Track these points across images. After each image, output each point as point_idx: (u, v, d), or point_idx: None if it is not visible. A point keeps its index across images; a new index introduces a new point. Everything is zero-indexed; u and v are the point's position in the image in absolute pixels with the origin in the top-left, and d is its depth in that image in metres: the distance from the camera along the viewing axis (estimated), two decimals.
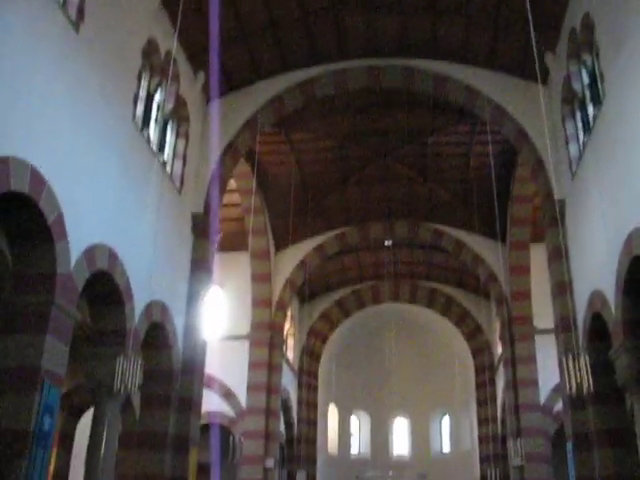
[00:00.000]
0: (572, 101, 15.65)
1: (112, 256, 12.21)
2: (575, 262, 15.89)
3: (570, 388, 12.89)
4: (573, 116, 15.76)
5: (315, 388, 32.02)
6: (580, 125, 15.34)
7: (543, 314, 21.37)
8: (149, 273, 13.60)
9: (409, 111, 20.45)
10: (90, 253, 11.31)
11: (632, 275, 12.26)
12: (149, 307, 14.02)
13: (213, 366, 20.56)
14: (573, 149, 15.62)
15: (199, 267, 16.87)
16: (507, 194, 22.81)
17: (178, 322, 15.83)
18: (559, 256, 16.07)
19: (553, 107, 16.72)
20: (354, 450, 36.38)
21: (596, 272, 14.17)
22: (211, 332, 20.30)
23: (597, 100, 13.67)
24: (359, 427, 36.97)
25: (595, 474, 14.39)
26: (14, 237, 9.97)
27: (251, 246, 24.35)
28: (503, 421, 25.83)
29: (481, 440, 29.85)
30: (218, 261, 19.06)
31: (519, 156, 19.96)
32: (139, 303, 13.47)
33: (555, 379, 18.84)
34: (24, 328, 9.70)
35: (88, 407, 18.16)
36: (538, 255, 21.85)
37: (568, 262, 16.09)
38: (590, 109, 14.43)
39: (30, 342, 9.65)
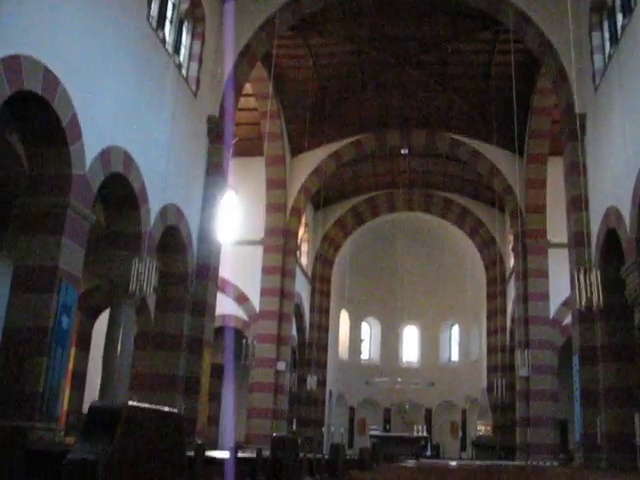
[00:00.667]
0: (601, 10, 15.16)
1: (127, 159, 12.20)
2: (592, 177, 15.74)
3: (580, 302, 13.00)
4: (600, 26, 15.29)
5: (327, 294, 32.41)
6: (607, 36, 14.91)
7: (557, 228, 21.36)
8: (164, 176, 13.62)
9: (430, 17, 19.89)
10: (105, 155, 11.30)
11: None
12: (164, 210, 14.10)
13: (227, 270, 20.79)
14: (598, 61, 15.22)
15: (214, 171, 16.87)
16: (527, 106, 22.40)
17: (193, 226, 15.94)
18: (576, 171, 15.91)
19: (580, 16, 16.18)
20: (364, 356, 37.11)
21: (613, 188, 14.06)
22: (225, 237, 20.48)
23: (628, 9, 13.22)
24: (370, 334, 37.62)
25: (599, 386, 14.68)
26: (29, 139, 9.96)
27: (266, 151, 24.18)
28: (512, 332, 26.17)
29: (489, 350, 30.34)
30: (233, 166, 19.01)
31: (541, 67, 19.49)
32: (154, 206, 13.54)
33: (565, 293, 18.97)
34: (41, 229, 9.83)
35: (105, 308, 18.50)
36: (555, 169, 21.65)
37: (585, 177, 15.94)
38: (619, 19, 13.98)
39: (47, 243, 9.80)
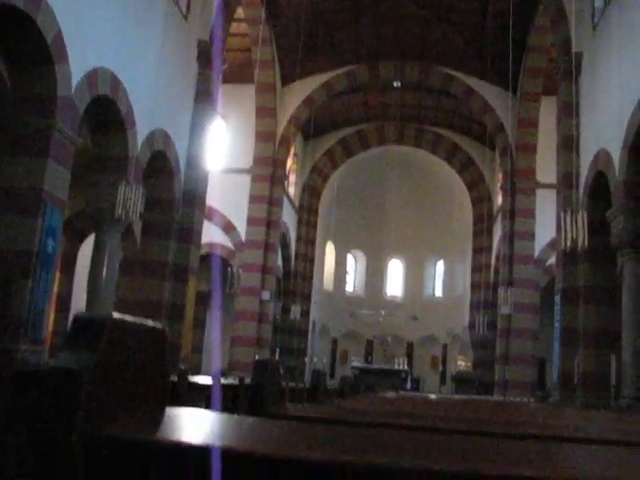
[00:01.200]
0: None
1: (114, 81, 11.95)
2: (585, 119, 15.61)
3: (565, 243, 13.06)
4: None
5: (314, 225, 32.41)
6: None
7: (547, 169, 21.27)
8: (152, 101, 13.38)
9: None
10: (92, 77, 11.06)
11: None
12: (152, 135, 13.91)
13: (214, 198, 20.68)
14: None
15: (203, 98, 16.59)
16: (523, 44, 22.02)
17: (181, 152, 15.77)
18: (569, 111, 15.77)
19: None
20: (349, 288, 37.38)
21: (605, 130, 13.96)
22: (213, 164, 20.30)
23: None
24: (355, 266, 37.81)
25: (579, 327, 14.88)
26: (12, 58, 9.70)
27: (257, 79, 23.77)
28: (496, 270, 26.37)
29: (473, 287, 30.62)
30: (222, 93, 18.70)
31: (540, 4, 19.10)
32: (142, 131, 13.34)
33: (551, 234, 19.06)
34: (26, 151, 9.68)
35: (90, 233, 18.43)
36: (548, 108, 21.43)
37: (578, 118, 15.81)
38: None
39: (32, 165, 9.66)
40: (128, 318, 1.20)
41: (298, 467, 1.00)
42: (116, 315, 1.17)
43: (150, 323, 1.32)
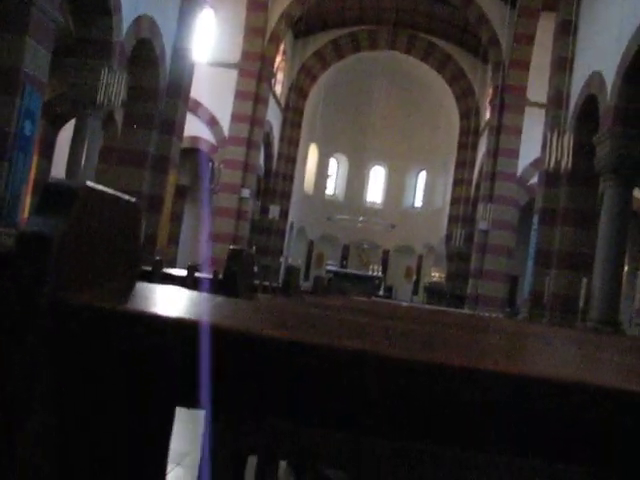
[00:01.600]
0: None
1: None
2: (582, 40, 15.34)
3: (549, 163, 13.08)
4: None
5: (299, 126, 32.06)
6: None
7: (538, 87, 21.00)
8: None
9: None
10: None
11: (636, 62, 11.94)
12: (138, 21, 13.47)
13: (199, 91, 20.31)
14: None
15: None
16: None
17: (167, 41, 15.33)
18: (567, 30, 15.48)
19: None
20: (329, 192, 37.37)
21: (601, 53, 13.75)
22: (200, 56, 19.82)
23: None
24: (337, 170, 37.68)
25: (553, 248, 15.06)
26: None
27: None
28: (477, 186, 26.41)
29: (453, 201, 30.73)
30: None
31: None
32: (128, 15, 12.91)
33: (536, 153, 19.01)
34: (3, 28, 9.31)
35: (70, 118, 18.07)
36: (546, 25, 20.98)
37: (575, 38, 15.53)
38: None
39: (10, 43, 9.32)
40: (102, 188, 1.16)
41: (261, 344, 1.01)
42: (89, 184, 1.12)
43: (124, 196, 1.28)
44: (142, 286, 1.41)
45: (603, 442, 0.99)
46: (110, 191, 1.18)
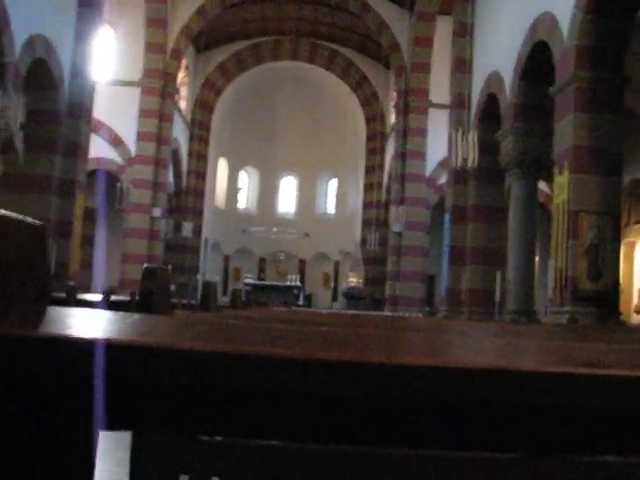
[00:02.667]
0: None
1: None
2: (479, 41, 15.77)
3: (456, 162, 13.38)
4: None
5: (206, 141, 31.80)
6: None
7: (440, 89, 21.47)
8: (29, 2, 12.48)
9: None
10: None
11: (531, 60, 12.34)
12: (31, 41, 13.03)
13: (102, 111, 19.88)
14: None
15: (88, 2, 15.62)
16: None
17: (64, 61, 14.90)
18: (464, 32, 15.90)
19: None
20: (241, 205, 37.17)
21: (497, 53, 14.17)
22: (101, 75, 19.40)
23: None
24: (248, 183, 37.53)
25: (466, 245, 15.38)
26: None
27: None
28: (388, 189, 26.76)
29: (365, 205, 31.06)
30: None
31: None
32: (19, 35, 12.44)
33: (442, 153, 19.41)
34: None
35: None
36: (443, 29, 21.49)
37: (472, 39, 15.95)
38: None
39: None
40: (5, 213, 1.09)
41: (179, 357, 0.98)
42: None
43: (28, 219, 1.20)
44: (54, 311, 1.33)
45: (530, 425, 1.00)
46: (12, 215, 1.11)
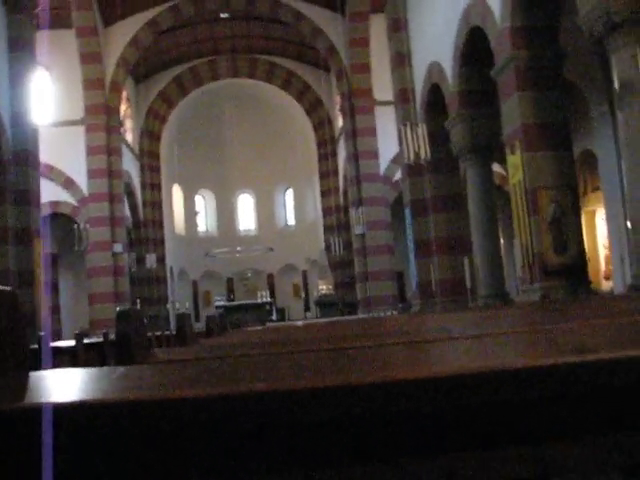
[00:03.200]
0: None
1: None
2: (414, 34, 15.91)
3: (408, 157, 13.45)
4: None
5: (158, 170, 31.62)
6: None
7: (383, 86, 21.61)
8: None
9: None
10: None
11: (468, 46, 12.48)
12: None
13: (49, 154, 19.62)
14: None
15: (19, 47, 15.40)
16: None
17: (3, 109, 14.69)
18: (398, 27, 16.03)
19: None
20: (201, 228, 37.01)
21: (434, 44, 14.30)
22: (42, 118, 19.17)
23: None
24: (205, 206, 37.38)
25: (430, 236, 15.47)
26: None
27: (76, 22, 22.50)
28: (345, 192, 26.84)
29: (325, 211, 31.11)
30: (41, 40, 17.52)
31: None
32: None
33: (394, 150, 19.51)
34: None
35: None
36: (377, 27, 21.64)
37: (407, 33, 16.09)
38: None
39: None
40: None
41: (172, 407, 0.96)
42: None
43: None
44: (36, 376, 1.29)
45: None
46: None
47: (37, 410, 0.94)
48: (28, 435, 0.94)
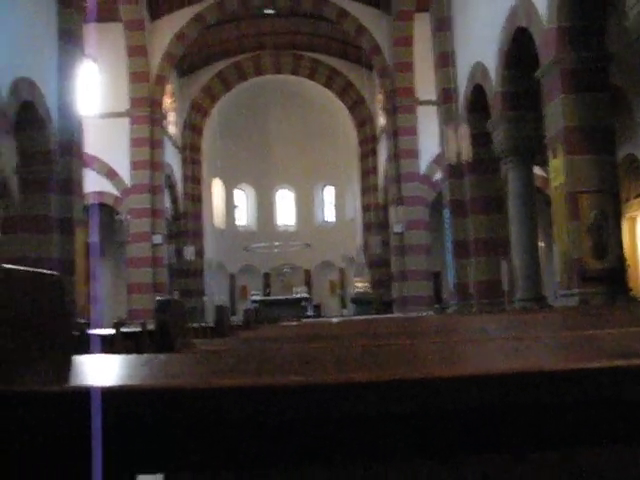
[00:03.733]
0: None
1: None
2: (459, 34, 15.81)
3: (450, 157, 13.37)
4: None
5: (199, 163, 31.87)
6: None
7: (426, 85, 21.50)
8: (10, 47, 12.54)
9: None
10: None
11: (513, 47, 12.37)
12: (16, 84, 13.09)
13: (93, 145, 19.91)
14: None
15: (68, 39, 15.70)
16: None
17: (51, 100, 14.95)
18: (443, 26, 15.95)
19: None
20: (240, 223, 37.19)
21: (479, 44, 14.19)
22: (87, 109, 19.46)
23: None
24: (245, 200, 37.56)
25: (469, 237, 15.37)
26: None
27: (124, 16, 22.80)
28: (385, 191, 26.77)
29: (364, 209, 31.04)
30: (89, 33, 17.79)
31: None
32: (3, 81, 12.52)
33: (435, 150, 19.40)
34: None
35: None
36: (422, 26, 21.51)
37: (452, 33, 16.00)
38: None
39: None
40: (20, 268, 1.09)
41: (213, 396, 0.99)
42: (7, 266, 1.05)
43: (44, 272, 1.21)
44: (78, 360, 1.33)
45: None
46: (27, 269, 1.11)
47: (84, 393, 0.96)
48: (73, 417, 0.96)
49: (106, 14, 23.01)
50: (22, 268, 1.12)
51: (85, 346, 6.35)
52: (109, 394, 0.97)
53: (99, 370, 1.30)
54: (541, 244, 16.77)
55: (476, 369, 1.08)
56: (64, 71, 15.54)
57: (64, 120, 15.36)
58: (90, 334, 8.16)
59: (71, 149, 15.41)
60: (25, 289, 1.11)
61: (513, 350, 1.57)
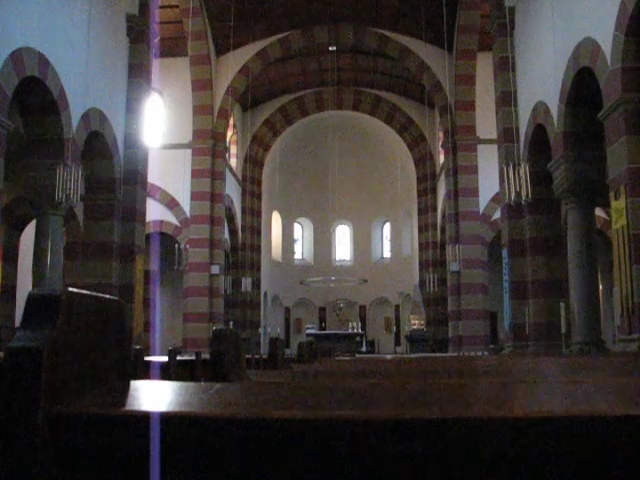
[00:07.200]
0: None
1: (42, 61, 11.57)
2: (521, 73, 15.75)
3: (509, 196, 13.26)
4: None
5: (259, 196, 32.24)
6: None
7: (486, 124, 21.47)
8: (84, 80, 13.02)
9: None
10: (17, 57, 10.68)
11: (576, 87, 12.28)
12: (86, 115, 13.56)
13: (156, 175, 20.37)
14: None
15: (137, 73, 16.23)
16: (455, 1, 22.03)
17: (118, 130, 15.43)
18: (505, 66, 15.89)
19: None
20: (298, 256, 37.38)
21: (541, 83, 14.12)
22: (152, 141, 19.95)
23: None
24: (302, 234, 37.78)
25: (527, 278, 15.14)
26: None
27: (190, 51, 23.39)
28: (443, 228, 26.63)
29: (421, 247, 30.87)
30: (156, 67, 18.32)
31: None
32: (76, 111, 12.99)
33: (495, 189, 19.25)
34: None
35: (31, 220, 17.94)
36: (484, 65, 21.55)
37: (514, 72, 15.94)
38: None
39: None
40: (85, 292, 1.14)
41: (266, 426, 0.99)
42: (72, 289, 1.10)
43: (107, 296, 1.26)
44: (135, 385, 1.37)
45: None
46: (92, 293, 1.16)
47: (142, 417, 1.00)
48: (130, 440, 1.00)
49: (174, 49, 23.70)
50: (86, 292, 1.16)
51: (141, 372, 6.45)
52: (167, 419, 1.00)
53: (153, 395, 1.33)
54: (600, 287, 16.42)
55: (525, 411, 1.07)
56: (132, 103, 16.04)
57: (130, 150, 15.81)
58: (146, 360, 8.28)
59: (135, 178, 15.81)
60: (88, 313, 1.16)
61: (567, 393, 1.54)
